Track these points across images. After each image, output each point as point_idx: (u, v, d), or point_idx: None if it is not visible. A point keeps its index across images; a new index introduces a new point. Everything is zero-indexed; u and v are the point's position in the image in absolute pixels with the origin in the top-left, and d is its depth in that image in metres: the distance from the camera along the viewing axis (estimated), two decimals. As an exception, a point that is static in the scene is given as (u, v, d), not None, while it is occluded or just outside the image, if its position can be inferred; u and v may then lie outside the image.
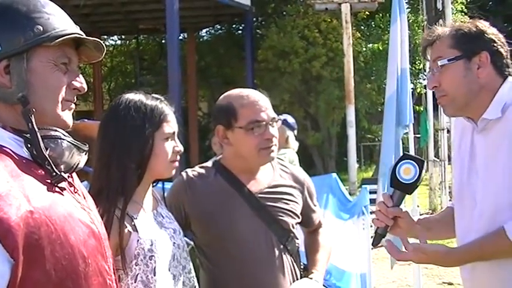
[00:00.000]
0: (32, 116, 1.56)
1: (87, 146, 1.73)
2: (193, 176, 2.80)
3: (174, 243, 2.41)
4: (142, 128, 2.33)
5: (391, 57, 5.92)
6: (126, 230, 2.24)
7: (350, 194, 10.30)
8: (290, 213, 2.80)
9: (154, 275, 2.25)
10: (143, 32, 23.24)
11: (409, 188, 2.44)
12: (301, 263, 2.91)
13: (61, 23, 1.64)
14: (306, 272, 2.87)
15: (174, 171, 2.50)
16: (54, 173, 1.56)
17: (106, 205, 2.22)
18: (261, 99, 2.75)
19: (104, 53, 1.76)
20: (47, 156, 1.56)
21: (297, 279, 2.78)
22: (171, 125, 2.43)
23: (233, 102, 2.74)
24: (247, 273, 2.67)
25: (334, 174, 8.31)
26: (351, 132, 13.73)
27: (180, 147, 2.47)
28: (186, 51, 20.98)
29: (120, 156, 2.31)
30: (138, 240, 2.25)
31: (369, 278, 6.49)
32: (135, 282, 2.23)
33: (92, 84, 22.53)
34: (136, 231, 2.26)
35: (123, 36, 25.39)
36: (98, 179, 2.33)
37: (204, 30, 24.81)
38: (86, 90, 1.72)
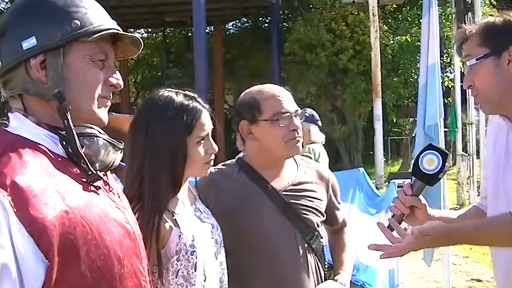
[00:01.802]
0: (68, 112, 1.53)
1: (122, 143, 1.70)
2: (216, 174, 2.76)
3: (212, 237, 2.39)
4: (172, 134, 2.29)
5: (422, 51, 5.86)
6: (167, 226, 2.22)
7: (377, 188, 10.20)
8: (314, 211, 2.76)
9: (195, 270, 2.24)
10: (170, 24, 23.28)
11: (430, 178, 2.42)
12: (326, 262, 2.88)
13: (98, 17, 1.61)
14: (331, 271, 2.84)
15: (209, 170, 2.49)
16: (90, 172, 1.54)
17: (143, 213, 2.19)
18: (282, 92, 2.74)
19: (141, 49, 1.72)
20: (83, 154, 1.53)
21: (321, 278, 2.75)
22: (206, 127, 2.38)
23: (256, 96, 2.73)
24: (270, 271, 2.64)
25: (362, 169, 8.24)
26: (378, 125, 13.62)
27: (215, 148, 2.41)
28: (213, 44, 21.01)
29: (152, 166, 2.27)
30: (179, 236, 2.23)
31: (397, 273, 6.43)
32: (176, 277, 2.22)
33: (118, 77, 22.64)
34: (178, 226, 2.25)
35: (149, 29, 25.45)
36: (132, 186, 2.28)
37: (231, 23, 24.82)
38: (122, 87, 1.68)
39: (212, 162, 2.46)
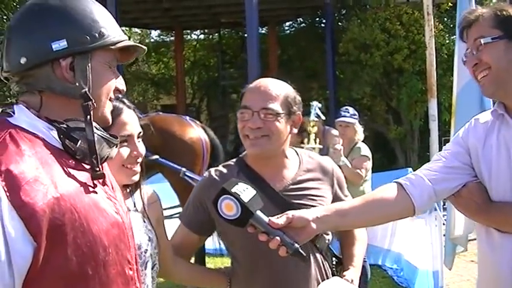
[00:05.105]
0: (91, 110, 1.66)
1: (117, 139, 1.81)
2: (215, 175, 2.75)
3: None
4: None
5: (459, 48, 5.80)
6: None
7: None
8: None
9: None
10: (225, 26, 23.42)
11: (238, 223, 2.19)
12: (334, 259, 2.83)
13: (116, 28, 1.77)
14: (340, 266, 2.81)
15: (135, 177, 2.37)
16: (97, 169, 1.66)
17: None
18: (267, 87, 2.66)
19: (145, 52, 1.89)
20: (96, 151, 1.67)
21: (328, 276, 2.71)
22: (127, 127, 2.30)
23: (246, 88, 2.73)
24: (272, 272, 2.62)
25: (410, 169, 8.17)
26: (433, 126, 13.39)
27: (140, 152, 2.33)
28: (268, 44, 21.06)
29: None
30: None
31: (441, 275, 6.38)
32: None
33: (174, 78, 22.88)
34: None
35: (205, 31, 25.66)
36: None
37: (287, 24, 24.83)
38: (124, 92, 1.84)
39: (138, 167, 2.36)
